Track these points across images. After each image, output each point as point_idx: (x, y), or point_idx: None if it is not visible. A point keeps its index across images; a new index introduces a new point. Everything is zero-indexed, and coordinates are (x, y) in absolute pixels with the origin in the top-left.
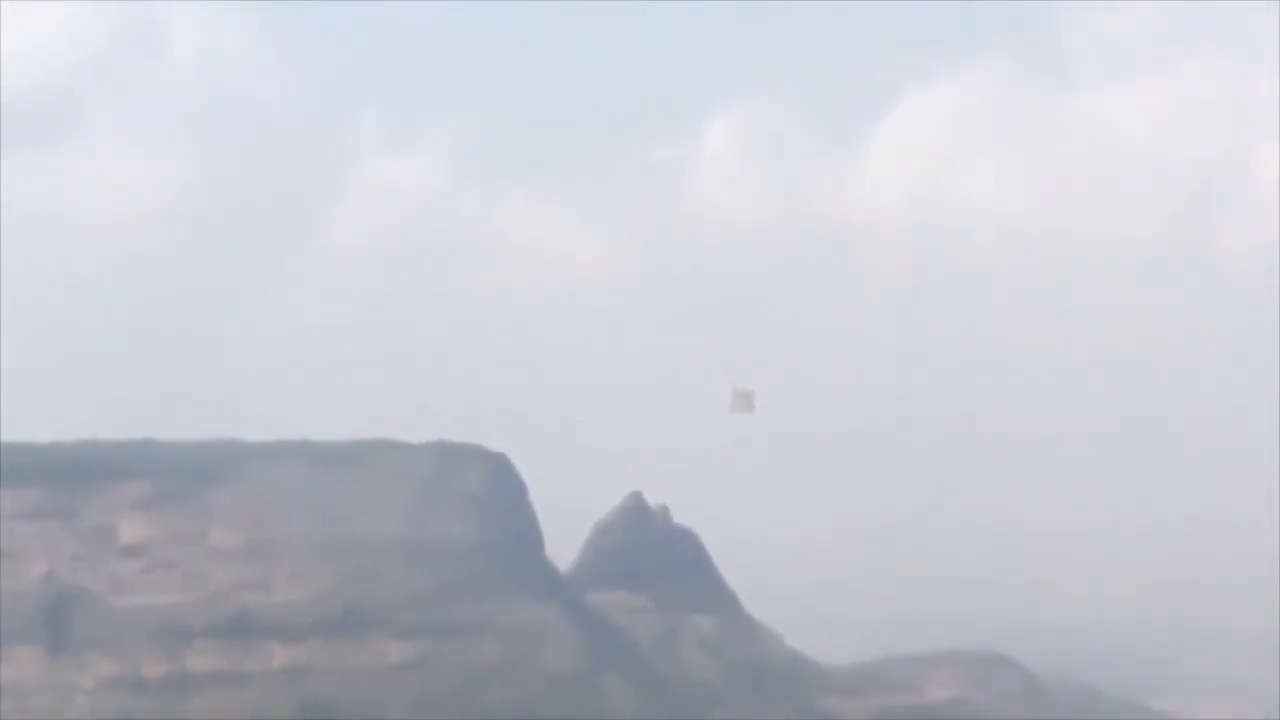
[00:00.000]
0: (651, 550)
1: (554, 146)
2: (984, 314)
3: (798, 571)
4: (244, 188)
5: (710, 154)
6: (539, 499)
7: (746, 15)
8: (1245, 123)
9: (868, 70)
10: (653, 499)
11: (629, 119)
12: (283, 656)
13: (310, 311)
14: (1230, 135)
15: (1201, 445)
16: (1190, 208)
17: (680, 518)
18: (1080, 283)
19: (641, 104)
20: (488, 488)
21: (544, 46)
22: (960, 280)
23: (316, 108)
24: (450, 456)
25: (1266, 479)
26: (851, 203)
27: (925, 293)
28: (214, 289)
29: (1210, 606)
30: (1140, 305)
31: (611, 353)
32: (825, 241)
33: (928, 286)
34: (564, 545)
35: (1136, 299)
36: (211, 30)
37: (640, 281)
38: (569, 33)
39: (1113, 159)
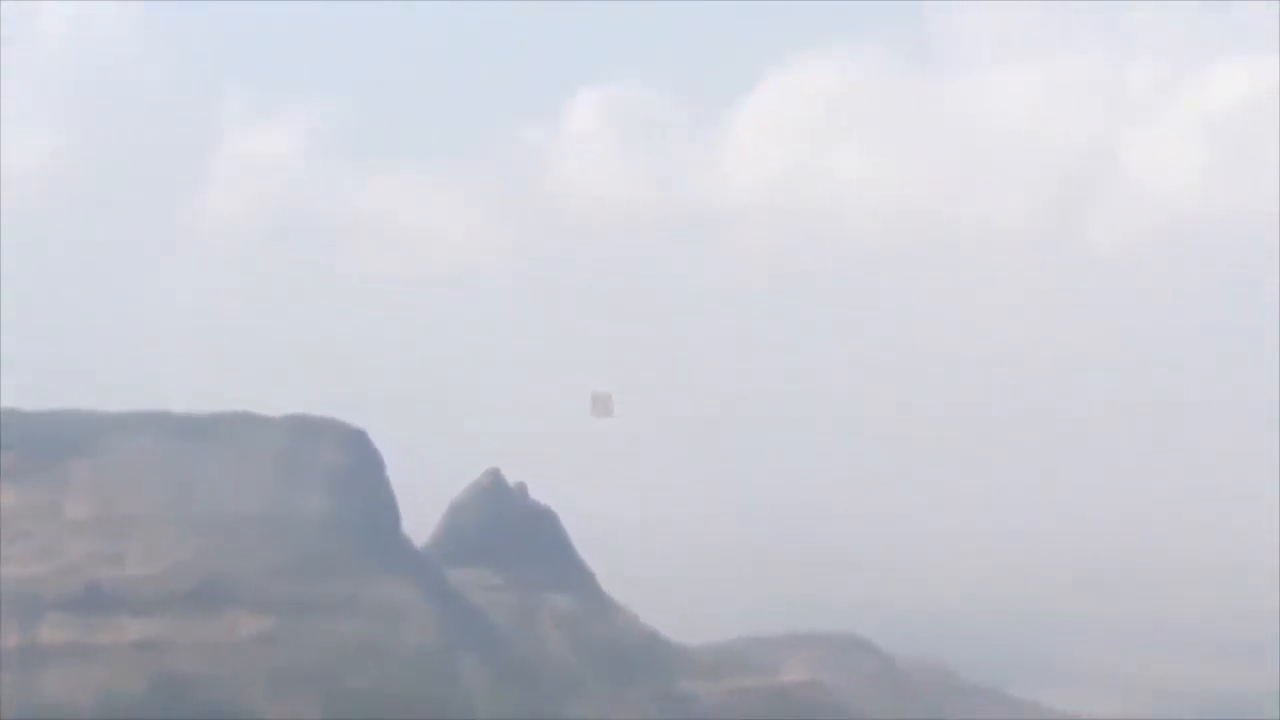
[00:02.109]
0: (509, 528)
1: (422, 126)
2: (852, 297)
3: (656, 552)
4: (107, 162)
5: (578, 133)
6: (397, 475)
7: None
8: (1116, 111)
9: (736, 50)
10: (511, 477)
11: (496, 98)
12: (136, 630)
13: (173, 285)
14: (1101, 123)
15: (1071, 432)
16: (1060, 194)
17: (539, 496)
18: (949, 266)
19: (509, 83)
20: (345, 463)
21: (412, 24)
22: (829, 263)
23: (182, 83)
24: (307, 431)
25: (1131, 464)
26: (720, 184)
27: (793, 275)
28: (76, 262)
29: (1085, 595)
30: (1009, 290)
31: (475, 331)
32: (693, 221)
33: (796, 269)
34: (421, 522)
35: (1006, 284)
36: (76, 3)
37: (507, 261)
38: (436, 10)
39: (984, 144)
